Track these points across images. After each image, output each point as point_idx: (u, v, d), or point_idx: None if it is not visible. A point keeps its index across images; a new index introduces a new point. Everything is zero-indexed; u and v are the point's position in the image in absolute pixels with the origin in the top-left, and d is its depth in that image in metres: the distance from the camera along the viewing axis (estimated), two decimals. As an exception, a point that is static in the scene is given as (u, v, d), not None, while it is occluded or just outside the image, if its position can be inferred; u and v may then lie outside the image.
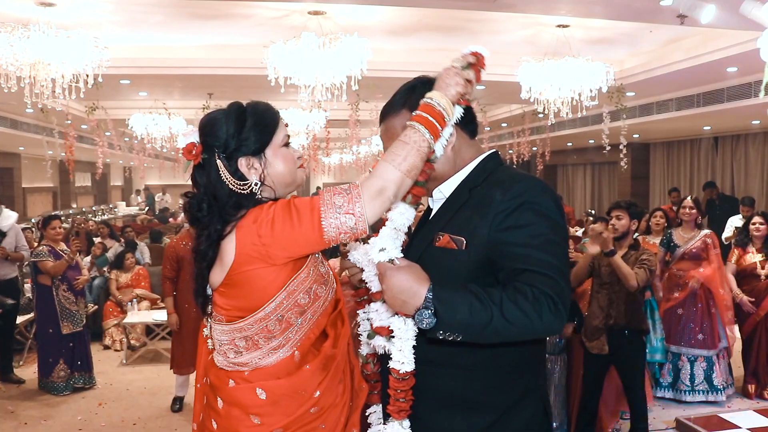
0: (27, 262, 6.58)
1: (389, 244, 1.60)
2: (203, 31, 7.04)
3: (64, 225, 6.59)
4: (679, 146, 14.24)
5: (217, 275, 1.75)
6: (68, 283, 5.87)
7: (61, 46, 5.27)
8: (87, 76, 5.64)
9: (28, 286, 7.04)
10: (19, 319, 6.77)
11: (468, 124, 1.80)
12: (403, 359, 1.62)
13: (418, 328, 1.55)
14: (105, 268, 8.26)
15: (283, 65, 6.06)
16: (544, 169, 14.25)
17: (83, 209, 18.66)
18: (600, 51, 7.43)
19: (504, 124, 14.10)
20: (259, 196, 1.74)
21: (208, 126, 1.77)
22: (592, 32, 6.93)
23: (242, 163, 1.73)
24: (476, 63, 1.75)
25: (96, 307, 7.55)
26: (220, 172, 1.72)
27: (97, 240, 9.32)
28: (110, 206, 21.13)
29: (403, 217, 1.66)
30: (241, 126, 1.74)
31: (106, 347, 7.53)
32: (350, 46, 5.90)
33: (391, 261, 1.59)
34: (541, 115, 8.60)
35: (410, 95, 1.77)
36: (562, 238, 1.65)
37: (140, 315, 7.31)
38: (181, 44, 7.43)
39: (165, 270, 5.21)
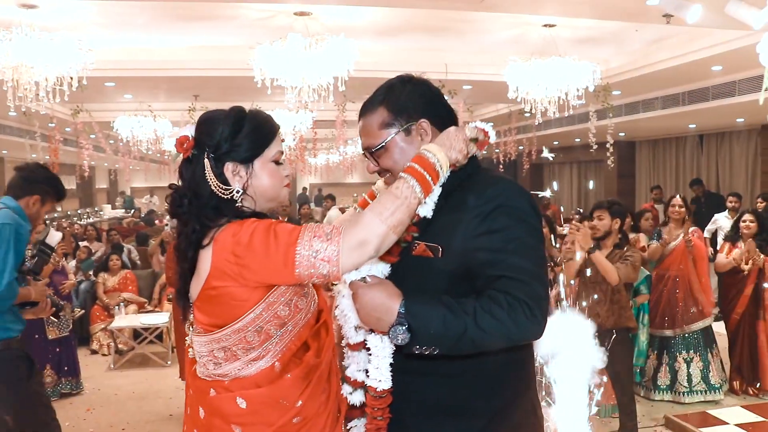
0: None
1: None
2: (188, 33, 7.00)
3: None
4: (664, 144, 14.33)
5: (194, 287, 1.74)
6: (54, 287, 5.82)
7: (45, 48, 5.23)
8: (71, 78, 5.59)
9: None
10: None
11: (446, 124, 1.77)
12: (380, 377, 1.63)
13: (394, 344, 1.56)
14: (90, 272, 8.19)
15: (270, 66, 6.04)
16: (531, 168, 14.28)
17: (68, 212, 18.49)
18: (586, 50, 7.46)
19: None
20: (239, 204, 1.73)
21: (205, 123, 1.77)
22: (579, 32, 6.96)
23: (228, 168, 1.73)
24: (481, 141, 1.74)
25: (83, 311, 7.47)
26: (206, 171, 1.72)
27: (82, 244, 9.24)
28: (95, 209, 20.97)
29: None
30: (237, 131, 1.73)
31: (94, 352, 7.46)
32: (337, 46, 5.89)
33: (363, 279, 1.60)
34: (527, 114, 8.63)
35: (389, 93, 1.77)
36: (538, 241, 1.64)
37: (128, 319, 7.26)
38: (166, 46, 7.38)
39: (169, 272, 5.12)
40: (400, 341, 1.51)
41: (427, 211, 1.65)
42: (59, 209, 19.69)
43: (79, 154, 9.47)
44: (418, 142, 1.74)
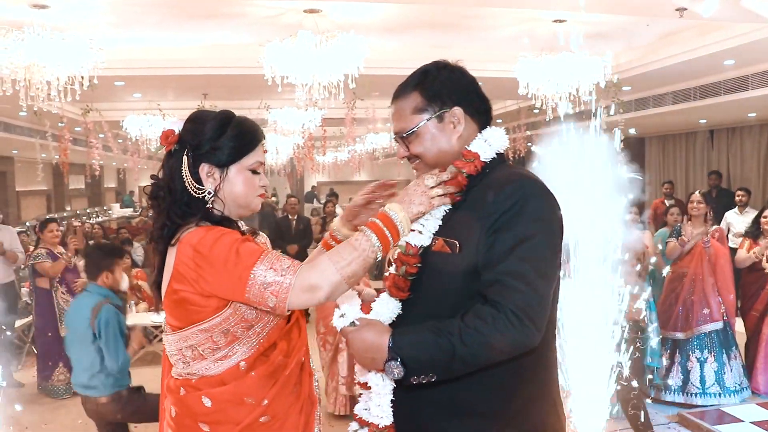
0: (24, 266, 6.54)
1: (347, 308, 1.63)
2: (198, 31, 6.99)
3: (60, 228, 6.54)
4: (674, 140, 14.25)
5: (163, 285, 1.77)
6: (67, 285, 5.84)
7: (56, 48, 5.24)
8: (82, 78, 5.60)
9: (25, 290, 6.99)
10: (17, 323, 6.73)
11: (480, 113, 1.77)
12: (381, 414, 1.66)
13: (392, 379, 1.59)
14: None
15: (280, 64, 6.03)
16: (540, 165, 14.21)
17: (77, 212, 18.56)
18: (596, 45, 7.41)
19: (499, 120, 14.09)
20: (210, 206, 1.75)
21: (191, 122, 1.81)
22: (589, 27, 6.92)
23: (204, 169, 1.76)
24: (454, 178, 1.70)
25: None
26: (182, 168, 1.75)
27: (91, 243, 9.26)
28: (104, 208, 21.04)
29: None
30: (220, 134, 1.76)
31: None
32: (347, 44, 5.88)
33: (352, 324, 1.62)
34: (537, 111, 8.59)
35: (423, 78, 1.75)
36: (550, 243, 1.61)
37: (139, 317, 7.27)
38: (176, 44, 7.37)
39: None
40: (396, 375, 1.54)
41: (423, 240, 1.67)
42: (68, 208, 19.77)
43: (89, 153, 9.48)
44: (450, 129, 1.73)
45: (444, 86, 1.73)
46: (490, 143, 1.72)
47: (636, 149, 14.75)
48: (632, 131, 11.29)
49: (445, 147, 1.73)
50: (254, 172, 1.81)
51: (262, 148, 1.84)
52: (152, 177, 1.83)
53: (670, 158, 14.43)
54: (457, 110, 1.72)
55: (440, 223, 1.69)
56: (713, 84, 8.72)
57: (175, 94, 9.93)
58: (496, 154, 1.73)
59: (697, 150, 13.65)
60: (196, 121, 1.80)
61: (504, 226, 1.57)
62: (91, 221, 14.71)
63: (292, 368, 1.77)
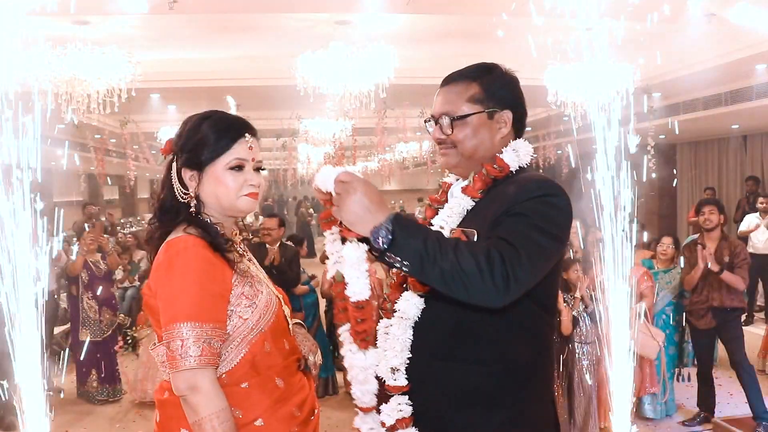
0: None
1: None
2: (231, 44, 7.14)
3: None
4: (706, 145, 14.07)
5: None
6: (93, 293, 5.95)
7: (96, 62, 5.42)
8: (120, 90, 5.78)
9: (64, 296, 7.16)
10: (56, 330, 6.90)
11: (521, 124, 1.84)
12: (356, 288, 1.64)
13: (370, 247, 1.52)
14: (136, 276, 8.35)
15: (312, 75, 6.14)
16: (569, 173, 14.16)
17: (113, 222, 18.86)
18: (626, 52, 7.40)
19: (528, 128, 14.04)
20: (192, 210, 1.73)
21: (180, 126, 1.79)
22: (618, 34, 6.90)
23: (186, 173, 1.74)
24: (481, 179, 1.76)
25: (128, 318, 7.62)
26: (171, 173, 1.75)
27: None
28: (138, 218, 21.37)
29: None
30: (192, 137, 1.73)
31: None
32: (377, 54, 5.97)
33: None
34: (566, 118, 8.59)
35: (486, 74, 1.79)
36: (555, 231, 1.60)
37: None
38: (210, 57, 7.54)
39: None
40: (380, 244, 1.47)
41: (444, 234, 1.69)
42: (103, 218, 20.13)
43: (127, 163, 9.70)
44: (495, 129, 1.78)
45: (504, 88, 1.79)
46: (518, 155, 1.75)
47: (667, 155, 14.61)
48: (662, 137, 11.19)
49: (486, 143, 1.77)
50: (239, 168, 1.73)
51: (245, 144, 1.74)
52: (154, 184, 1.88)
53: (702, 164, 14.24)
54: (508, 114, 1.78)
55: (460, 219, 1.74)
56: (745, 89, 8.63)
57: (209, 105, 10.03)
58: (519, 166, 1.77)
59: (730, 155, 13.46)
60: (182, 125, 1.78)
61: (520, 210, 1.60)
62: (124, 231, 14.98)
63: (285, 383, 1.76)
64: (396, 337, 1.72)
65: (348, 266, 1.64)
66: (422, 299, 1.70)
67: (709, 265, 4.75)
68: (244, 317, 1.69)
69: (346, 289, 1.65)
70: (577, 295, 4.62)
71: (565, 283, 4.71)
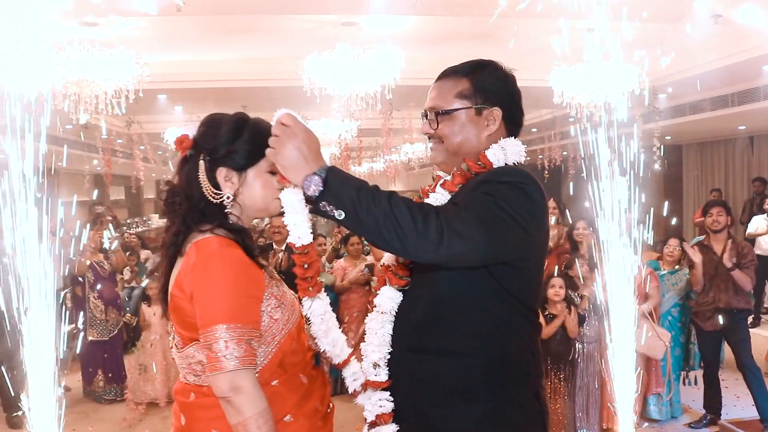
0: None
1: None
2: (237, 45, 7.18)
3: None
4: (713, 146, 14.04)
5: (169, 291, 1.73)
6: (99, 293, 5.98)
7: (104, 63, 5.45)
8: (128, 91, 5.81)
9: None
10: (63, 329, 6.92)
11: (514, 123, 1.81)
12: (298, 233, 1.66)
13: (305, 195, 1.51)
14: (143, 277, 8.36)
15: (318, 76, 6.16)
16: (576, 174, 14.15)
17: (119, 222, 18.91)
18: (631, 53, 7.39)
19: (534, 129, 14.06)
20: (228, 211, 1.72)
21: (206, 125, 1.76)
22: (624, 34, 6.90)
23: (221, 173, 1.71)
24: (462, 175, 1.76)
25: (136, 318, 7.64)
26: (199, 173, 1.71)
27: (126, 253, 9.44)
28: (144, 219, 21.42)
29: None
30: (236, 137, 1.72)
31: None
32: (383, 55, 5.99)
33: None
34: (572, 119, 8.58)
35: (478, 70, 1.79)
36: (515, 214, 1.56)
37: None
38: (216, 58, 7.57)
39: None
40: (311, 191, 1.47)
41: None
42: (109, 218, 20.14)
43: (135, 164, 9.75)
44: (483, 126, 1.76)
45: (494, 84, 1.77)
46: (506, 153, 1.72)
47: (674, 156, 14.58)
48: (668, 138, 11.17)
49: (472, 140, 1.75)
50: (272, 173, 1.74)
51: None
52: (167, 183, 1.81)
53: (709, 165, 14.21)
54: (497, 111, 1.76)
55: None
56: (752, 90, 8.61)
57: (215, 106, 10.11)
58: (506, 164, 1.74)
59: (737, 156, 13.42)
60: (211, 124, 1.75)
61: (482, 189, 1.60)
62: (130, 231, 15.01)
63: (308, 379, 1.77)
64: (374, 332, 1.73)
65: (288, 211, 1.64)
66: (400, 293, 1.71)
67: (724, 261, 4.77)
68: (274, 317, 1.70)
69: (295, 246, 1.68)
70: (584, 293, 4.63)
71: (571, 281, 4.72)
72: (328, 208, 1.47)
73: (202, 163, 1.71)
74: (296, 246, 1.68)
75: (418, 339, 1.69)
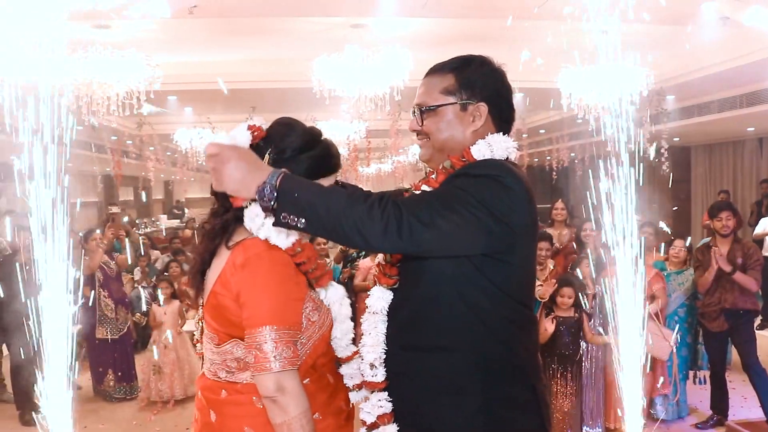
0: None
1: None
2: (246, 47, 7.22)
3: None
4: (721, 148, 14.00)
5: (207, 285, 1.75)
6: (109, 291, 6.04)
7: (116, 65, 5.51)
8: (139, 93, 5.87)
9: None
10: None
11: (503, 119, 1.78)
12: (277, 242, 1.65)
13: (262, 207, 1.51)
14: (153, 278, 8.41)
15: (328, 77, 6.21)
16: (584, 174, 14.14)
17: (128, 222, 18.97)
18: (639, 55, 7.40)
19: (542, 131, 14.06)
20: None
21: (282, 125, 1.79)
22: (631, 36, 6.91)
23: None
24: (445, 173, 1.73)
25: (145, 318, 7.68)
26: None
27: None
28: (152, 219, 21.50)
29: None
30: (307, 148, 1.75)
31: (158, 356, 7.68)
32: (392, 57, 6.03)
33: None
34: (579, 120, 8.59)
35: (464, 65, 1.76)
36: (488, 205, 1.54)
37: (187, 324, 7.44)
38: (226, 60, 7.62)
39: None
40: (266, 200, 1.47)
41: None
42: (125, 218, 20.26)
43: (145, 165, 9.81)
44: (468, 122, 1.73)
45: (480, 80, 1.74)
46: (492, 149, 1.69)
47: (681, 158, 14.55)
48: (676, 139, 11.15)
49: (457, 136, 1.73)
50: None
51: (335, 177, 1.81)
52: None
53: (717, 167, 14.17)
54: (483, 106, 1.72)
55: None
56: (761, 91, 8.60)
57: (224, 107, 10.21)
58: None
59: (745, 158, 13.39)
60: (288, 126, 1.78)
61: (454, 183, 1.59)
62: (139, 232, 15.09)
63: (334, 378, 1.81)
64: (367, 332, 1.75)
65: (255, 232, 1.65)
66: (390, 292, 1.73)
67: (719, 265, 4.76)
68: (312, 320, 1.73)
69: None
70: (590, 292, 4.66)
71: (580, 282, 4.74)
72: (290, 219, 1.48)
73: (267, 156, 1.71)
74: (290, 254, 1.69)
75: (409, 336, 1.70)
